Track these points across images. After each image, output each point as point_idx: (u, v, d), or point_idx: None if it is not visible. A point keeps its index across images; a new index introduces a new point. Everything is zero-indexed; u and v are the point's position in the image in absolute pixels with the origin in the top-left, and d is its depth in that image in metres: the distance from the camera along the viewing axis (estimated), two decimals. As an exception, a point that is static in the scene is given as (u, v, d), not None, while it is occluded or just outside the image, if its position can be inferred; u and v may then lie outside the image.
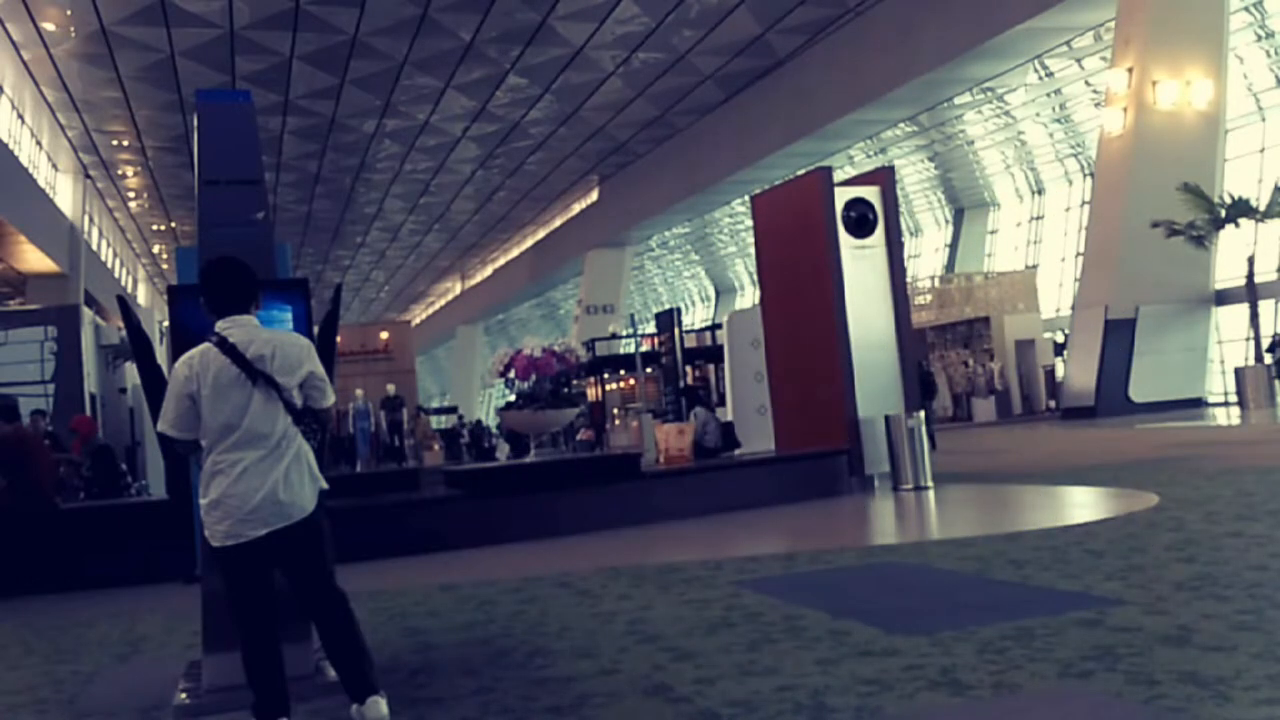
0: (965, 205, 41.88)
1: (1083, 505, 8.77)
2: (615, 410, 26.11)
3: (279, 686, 3.58)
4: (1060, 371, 26.79)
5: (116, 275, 41.26)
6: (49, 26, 22.69)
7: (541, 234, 49.40)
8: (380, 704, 3.56)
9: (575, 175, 40.53)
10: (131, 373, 18.68)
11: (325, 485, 3.68)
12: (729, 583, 5.97)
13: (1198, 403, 23.00)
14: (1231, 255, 22.86)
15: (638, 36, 26.18)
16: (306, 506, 3.57)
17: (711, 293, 59.95)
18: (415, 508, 9.79)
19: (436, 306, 67.20)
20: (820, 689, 3.63)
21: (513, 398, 9.85)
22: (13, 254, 27.95)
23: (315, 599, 3.67)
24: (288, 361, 3.61)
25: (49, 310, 20.05)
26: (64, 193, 32.04)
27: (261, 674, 3.57)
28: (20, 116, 26.68)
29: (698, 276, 59.12)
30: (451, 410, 37.83)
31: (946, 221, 43.57)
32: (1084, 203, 32.93)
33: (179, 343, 4.41)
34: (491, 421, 34.15)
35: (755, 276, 17.20)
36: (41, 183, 28.93)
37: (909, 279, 27.28)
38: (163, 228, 42.51)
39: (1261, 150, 27.90)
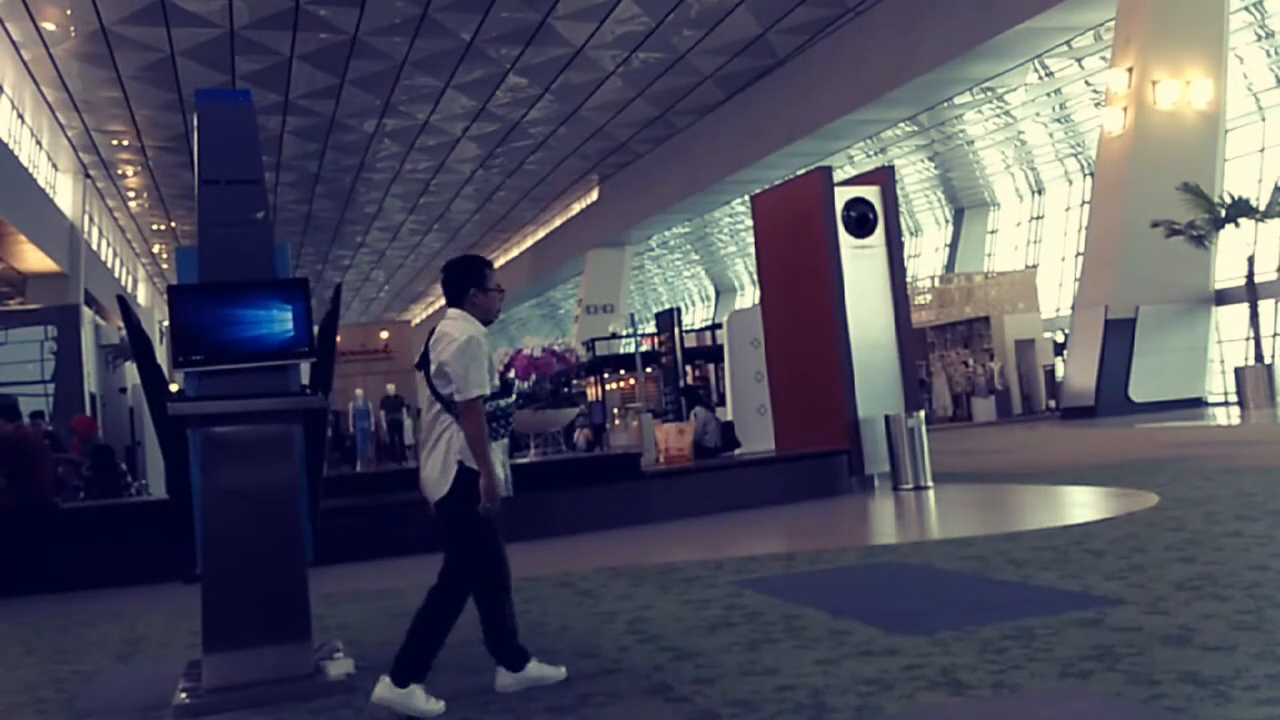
0: (965, 205, 41.88)
1: (1083, 505, 8.77)
2: (615, 410, 26.12)
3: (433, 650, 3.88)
4: (1060, 371, 26.80)
5: (116, 275, 41.25)
6: (49, 26, 22.69)
7: (541, 234, 49.40)
8: (382, 683, 3.78)
9: (575, 175, 40.54)
10: (131, 373, 18.68)
11: (470, 468, 3.86)
12: (729, 583, 5.98)
13: (1198, 403, 23.01)
14: (1231, 255, 22.87)
15: (638, 36, 26.18)
16: (433, 492, 3.96)
17: (711, 293, 59.96)
18: (415, 508, 9.77)
19: (436, 306, 67.18)
20: (820, 689, 3.63)
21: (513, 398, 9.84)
22: (13, 254, 27.95)
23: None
24: (435, 351, 3.95)
25: (49, 310, 20.06)
26: (64, 193, 32.04)
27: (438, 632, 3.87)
28: (20, 116, 26.67)
29: (698, 276, 59.13)
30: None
31: (946, 221, 43.57)
32: (1084, 202, 32.93)
33: (179, 343, 4.41)
34: None
35: (755, 276, 17.20)
36: (41, 183, 28.92)
37: (909, 279, 27.30)
38: (163, 228, 42.51)
39: (1261, 150, 27.90)
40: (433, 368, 3.91)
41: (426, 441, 3.99)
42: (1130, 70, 22.33)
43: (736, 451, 12.63)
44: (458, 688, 4.11)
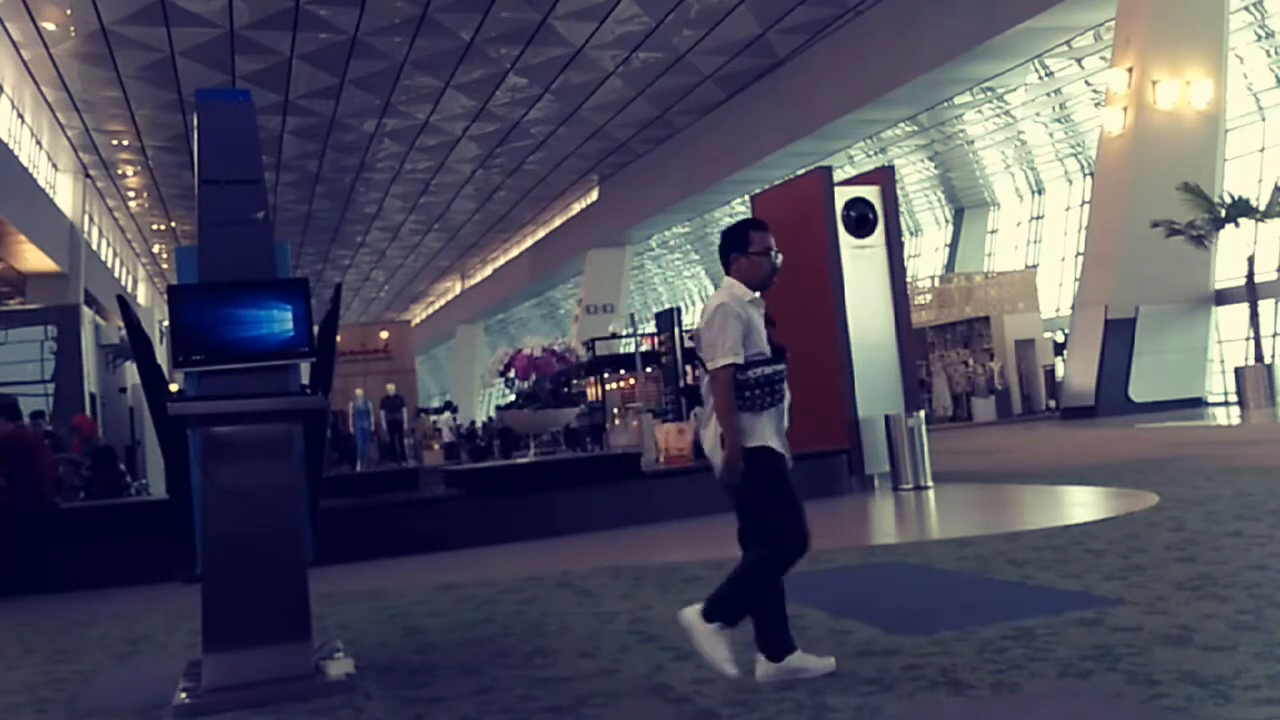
0: (965, 205, 41.87)
1: (1083, 505, 8.77)
2: (615, 410, 26.12)
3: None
4: (1060, 371, 26.79)
5: (116, 275, 41.24)
6: (49, 26, 22.69)
7: (541, 234, 49.40)
8: (689, 610, 3.86)
9: (575, 175, 40.54)
10: (131, 373, 18.69)
11: (756, 444, 3.84)
12: (729, 583, 5.97)
13: (1198, 403, 23.01)
14: (1231, 255, 22.87)
15: (638, 36, 26.17)
16: (714, 463, 3.90)
17: (711, 293, 59.92)
18: (415, 508, 9.79)
19: (436, 306, 67.20)
20: (820, 689, 3.63)
21: (513, 397, 9.85)
22: (13, 254, 27.93)
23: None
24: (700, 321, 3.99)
25: (49, 310, 20.06)
26: (64, 192, 32.03)
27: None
28: (20, 116, 26.67)
29: (698, 276, 59.11)
30: (450, 408, 37.77)
31: (946, 221, 43.56)
32: (1084, 202, 32.93)
33: (179, 343, 4.41)
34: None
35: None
36: (41, 182, 28.91)
37: (909, 279, 27.30)
38: (163, 227, 42.51)
39: (1261, 150, 27.90)
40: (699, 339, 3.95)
41: (704, 411, 3.97)
42: (1130, 70, 22.33)
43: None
44: (458, 688, 4.11)
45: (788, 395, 4.05)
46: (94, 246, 35.46)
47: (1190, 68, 22.32)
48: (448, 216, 44.45)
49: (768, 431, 3.86)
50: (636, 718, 3.57)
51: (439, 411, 34.18)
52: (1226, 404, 23.30)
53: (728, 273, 3.98)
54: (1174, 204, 21.04)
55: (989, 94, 29.59)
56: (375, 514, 9.27)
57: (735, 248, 3.94)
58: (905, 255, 15.35)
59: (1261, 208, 21.47)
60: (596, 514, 9.50)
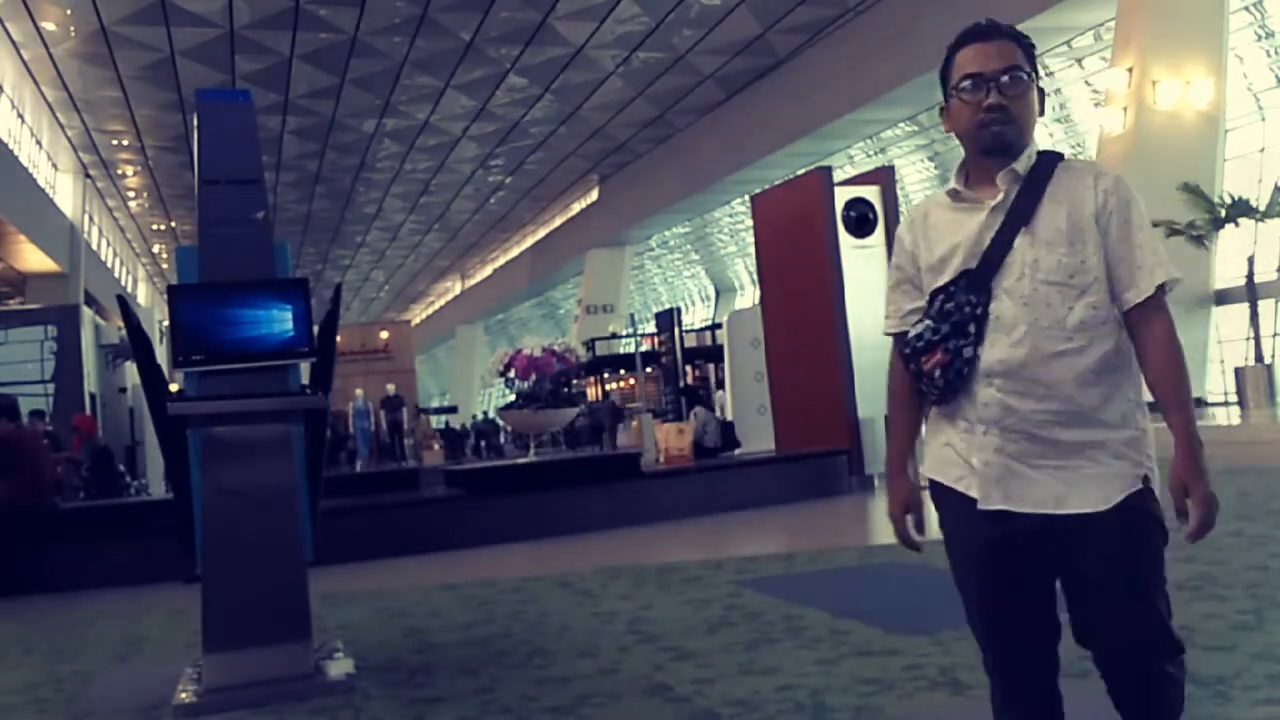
0: (965, 205, 41.85)
1: (1083, 505, 8.75)
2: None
3: None
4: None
5: (116, 275, 41.23)
6: (49, 26, 22.68)
7: (541, 234, 49.39)
8: None
9: (575, 175, 40.53)
10: (131, 373, 18.68)
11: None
12: (729, 582, 5.97)
13: (1198, 403, 22.95)
14: (1231, 255, 22.86)
15: (638, 36, 26.17)
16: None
17: (711, 293, 59.94)
18: (415, 508, 9.80)
19: (436, 306, 67.17)
20: (820, 689, 3.63)
21: (513, 397, 9.86)
22: (13, 254, 27.93)
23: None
24: None
25: (49, 310, 20.05)
26: (64, 193, 32.02)
27: None
28: (20, 116, 26.67)
29: (698, 276, 59.09)
30: (451, 410, 37.82)
31: (946, 221, 43.54)
32: (1084, 203, 32.92)
33: (179, 343, 4.41)
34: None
35: (755, 276, 17.20)
36: (41, 183, 28.91)
37: (909, 279, 27.24)
38: (163, 228, 42.50)
39: (1261, 150, 27.88)
40: None
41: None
42: (1130, 70, 22.32)
43: (736, 451, 12.64)
44: (458, 688, 4.11)
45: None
46: (94, 246, 35.45)
47: (1190, 68, 22.31)
48: (448, 216, 44.44)
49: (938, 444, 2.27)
50: (636, 718, 3.57)
51: (440, 412, 34.24)
52: (1226, 404, 23.29)
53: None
54: (1174, 204, 21.03)
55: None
56: (375, 514, 9.28)
57: (944, 92, 2.16)
58: (905, 255, 15.31)
59: (1261, 208, 21.45)
60: (596, 514, 9.50)
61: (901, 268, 2.19)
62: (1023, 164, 2.04)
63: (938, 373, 2.05)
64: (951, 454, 2.15)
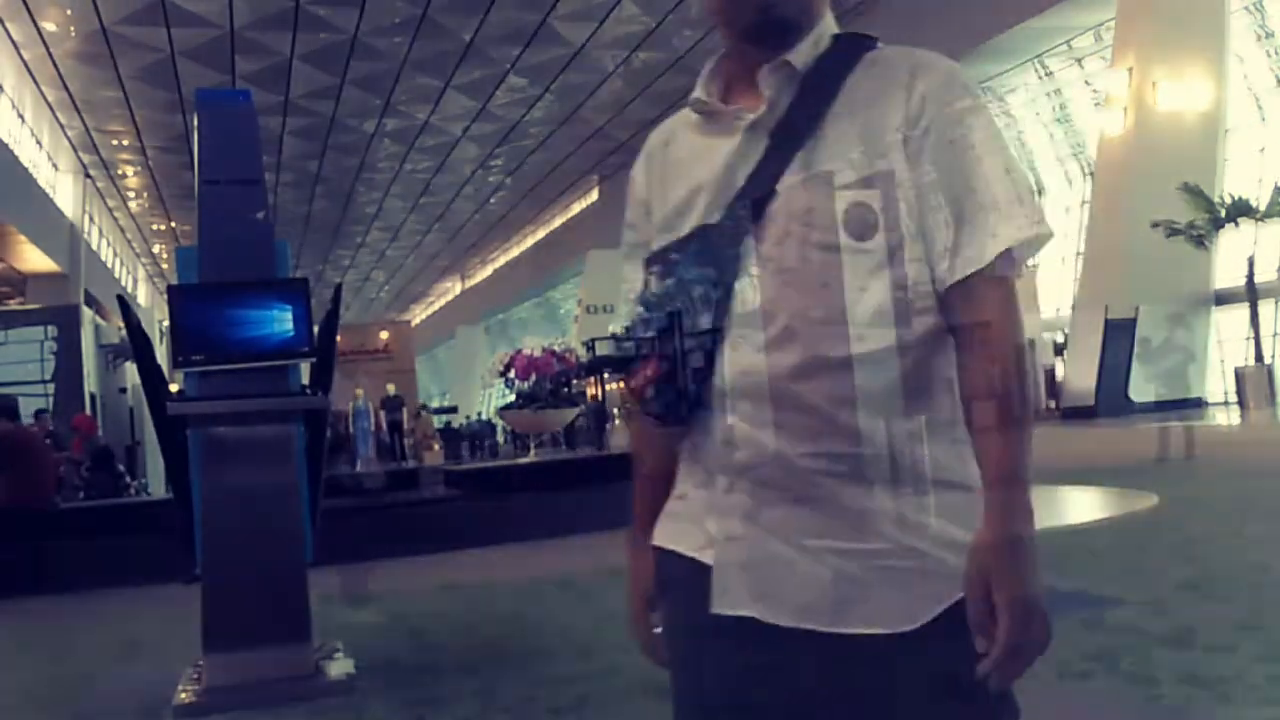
0: (965, 205, 41.85)
1: (1083, 505, 8.76)
2: (615, 410, 26.11)
3: None
4: (1060, 372, 26.78)
5: (116, 275, 41.23)
6: (49, 26, 22.69)
7: (541, 234, 49.40)
8: None
9: (575, 175, 40.54)
10: (131, 373, 18.69)
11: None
12: (729, 583, 5.96)
13: (1198, 403, 22.99)
14: (1231, 255, 22.86)
15: (638, 36, 26.18)
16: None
17: (712, 293, 59.89)
18: (415, 508, 9.79)
19: (436, 306, 67.16)
20: (820, 689, 3.62)
21: (513, 398, 9.86)
22: (13, 254, 27.93)
23: None
24: None
25: (49, 310, 20.07)
26: (64, 193, 32.02)
27: None
28: (20, 116, 26.67)
29: (698, 276, 59.07)
30: (452, 410, 37.80)
31: (946, 221, 43.53)
32: (1084, 203, 32.91)
33: (179, 343, 4.41)
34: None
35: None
36: (41, 183, 28.91)
37: (909, 279, 27.19)
38: (163, 228, 42.51)
39: (1261, 150, 27.87)
40: None
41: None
42: (1130, 71, 22.33)
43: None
44: (458, 688, 4.10)
45: None
46: (94, 247, 35.45)
47: (1190, 68, 22.32)
48: (448, 216, 44.45)
49: None
50: (636, 718, 3.56)
51: (440, 412, 34.21)
52: (1226, 404, 23.29)
53: None
54: (1174, 204, 21.04)
55: (989, 94, 29.58)
56: (375, 514, 9.28)
57: None
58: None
59: (1261, 208, 21.47)
60: (596, 514, 9.49)
61: (634, 225, 1.42)
62: (803, 54, 1.31)
63: (650, 392, 1.25)
64: (689, 510, 1.29)
